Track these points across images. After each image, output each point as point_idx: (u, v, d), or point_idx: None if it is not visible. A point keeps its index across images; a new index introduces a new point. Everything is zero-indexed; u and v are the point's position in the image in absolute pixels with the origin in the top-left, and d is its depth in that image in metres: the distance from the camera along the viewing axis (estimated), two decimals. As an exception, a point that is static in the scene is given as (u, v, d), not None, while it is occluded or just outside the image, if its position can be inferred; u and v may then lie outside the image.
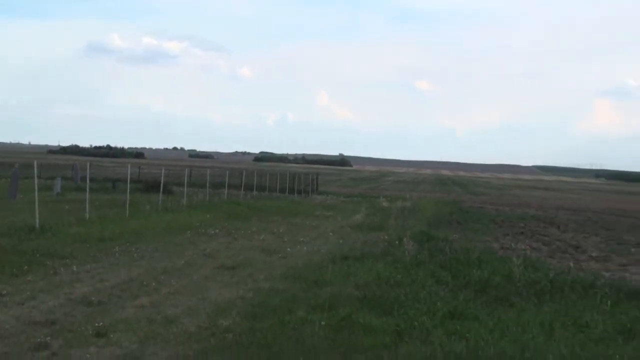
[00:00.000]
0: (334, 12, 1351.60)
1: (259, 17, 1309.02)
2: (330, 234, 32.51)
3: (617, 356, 11.19)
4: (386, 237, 29.01)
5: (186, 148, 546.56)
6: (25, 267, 17.78)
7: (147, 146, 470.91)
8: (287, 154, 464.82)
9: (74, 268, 18.32)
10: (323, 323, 13.02)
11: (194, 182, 52.10)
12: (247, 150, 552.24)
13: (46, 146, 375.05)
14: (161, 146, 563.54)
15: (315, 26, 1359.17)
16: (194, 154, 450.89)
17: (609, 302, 15.51)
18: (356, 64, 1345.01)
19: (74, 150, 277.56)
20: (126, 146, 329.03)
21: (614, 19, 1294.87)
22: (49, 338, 11.54)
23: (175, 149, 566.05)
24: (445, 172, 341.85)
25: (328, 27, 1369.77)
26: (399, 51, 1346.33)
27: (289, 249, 25.30)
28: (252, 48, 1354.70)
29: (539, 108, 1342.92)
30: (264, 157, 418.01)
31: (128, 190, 36.71)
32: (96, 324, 12.55)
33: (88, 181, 36.25)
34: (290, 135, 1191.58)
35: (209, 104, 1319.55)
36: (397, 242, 26.04)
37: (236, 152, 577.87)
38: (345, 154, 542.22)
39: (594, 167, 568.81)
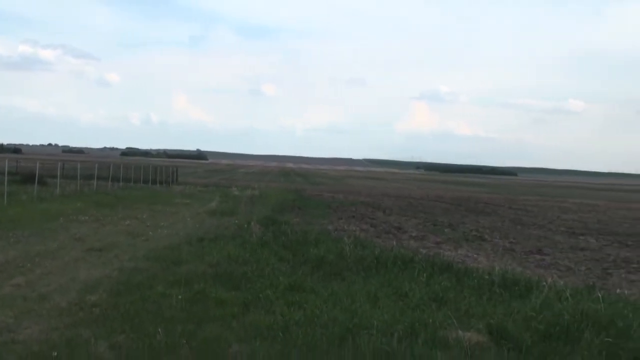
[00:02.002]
0: (190, 25, 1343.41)
1: (124, 28, 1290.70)
2: (188, 219, 32.24)
3: (431, 320, 11.49)
4: (236, 221, 28.97)
5: (60, 144, 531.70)
6: None
7: (25, 142, 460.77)
8: (151, 149, 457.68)
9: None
10: (180, 297, 12.95)
11: (66, 175, 50.67)
12: (115, 146, 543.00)
13: None
14: (37, 142, 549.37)
15: (173, 37, 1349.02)
16: (67, 150, 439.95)
17: (425, 275, 15.83)
18: (210, 71, 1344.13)
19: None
20: (5, 142, 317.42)
21: (428, 34, 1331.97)
22: None
23: (50, 145, 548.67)
24: (289, 165, 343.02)
25: (185, 38, 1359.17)
26: (247, 60, 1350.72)
27: (150, 233, 24.97)
28: (119, 56, 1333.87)
29: (367, 109, 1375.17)
30: (129, 152, 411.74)
31: (6, 182, 35.44)
32: (-26, 302, 12.13)
33: (-32, 174, 34.98)
34: (153, 133, 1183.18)
35: (81, 105, 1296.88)
36: (245, 225, 26.10)
37: (105, 147, 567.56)
38: (202, 149, 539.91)
39: (414, 160, 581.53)
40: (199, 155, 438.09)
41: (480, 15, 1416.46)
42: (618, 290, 16.76)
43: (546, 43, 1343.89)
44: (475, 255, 22.97)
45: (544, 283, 14.74)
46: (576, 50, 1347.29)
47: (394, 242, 24.27)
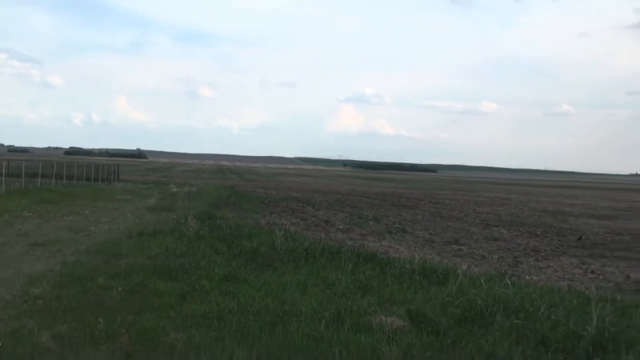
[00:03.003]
0: (129, 31, 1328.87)
1: (67, 34, 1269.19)
2: (128, 214, 31.82)
3: (356, 307, 11.54)
4: (174, 216, 28.70)
5: (5, 144, 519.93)
6: None
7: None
8: (93, 149, 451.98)
9: None
10: (120, 288, 12.77)
11: (11, 173, 49.55)
12: (59, 146, 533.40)
13: None
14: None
15: (114, 42, 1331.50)
16: (12, 149, 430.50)
17: (350, 265, 15.86)
18: (149, 74, 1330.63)
19: None
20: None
21: (354, 41, 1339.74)
22: None
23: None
24: (224, 163, 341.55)
25: (125, 43, 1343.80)
26: (184, 64, 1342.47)
27: (92, 228, 24.56)
28: (61, 60, 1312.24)
29: (298, 110, 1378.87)
30: (73, 152, 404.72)
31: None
32: None
33: None
34: (95, 133, 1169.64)
35: (26, 106, 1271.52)
36: (183, 220, 25.83)
37: (49, 147, 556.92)
38: (142, 148, 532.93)
39: (342, 158, 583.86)
40: (139, 154, 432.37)
41: (401, 24, 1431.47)
42: (527, 277, 17.11)
43: (462, 50, 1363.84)
44: (397, 246, 23.15)
45: (460, 271, 14.91)
46: (489, 57, 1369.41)
47: (323, 235, 24.27)
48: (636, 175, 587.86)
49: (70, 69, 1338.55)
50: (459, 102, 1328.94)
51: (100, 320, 10.11)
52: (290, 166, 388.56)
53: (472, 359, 8.92)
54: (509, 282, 13.57)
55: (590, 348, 9.38)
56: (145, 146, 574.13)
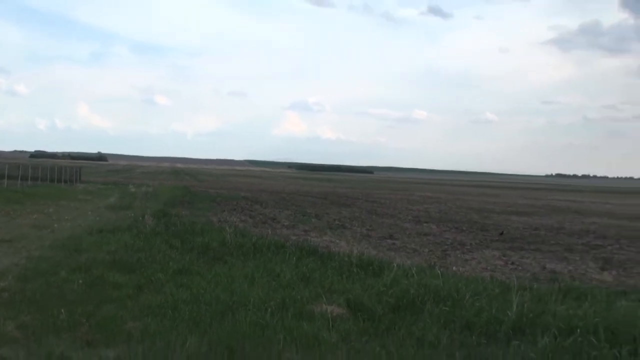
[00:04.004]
0: (91, 43, 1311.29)
1: (32, 45, 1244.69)
2: (89, 213, 31.33)
3: (299, 296, 11.56)
4: (132, 214, 28.33)
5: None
6: None
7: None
8: (57, 152, 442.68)
9: None
10: (81, 281, 12.60)
11: (-21, 175, 48.68)
12: (24, 149, 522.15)
13: None
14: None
15: (76, 53, 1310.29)
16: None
17: (294, 258, 15.90)
18: (109, 83, 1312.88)
19: None
20: None
21: (297, 54, 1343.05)
22: None
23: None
24: (179, 165, 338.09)
25: (86, 54, 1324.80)
26: (142, 74, 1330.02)
27: (56, 225, 24.11)
28: (27, 69, 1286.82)
29: (246, 117, 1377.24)
30: (38, 155, 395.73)
31: None
32: None
33: None
34: (59, 138, 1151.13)
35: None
36: (140, 218, 25.57)
37: (15, 150, 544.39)
38: (103, 151, 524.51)
39: (287, 160, 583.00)
40: (100, 157, 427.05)
41: (341, 39, 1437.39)
42: (454, 268, 17.28)
43: (396, 63, 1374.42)
44: (337, 241, 23.18)
45: (394, 263, 15.03)
46: (420, 69, 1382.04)
47: (269, 231, 24.28)
48: (552, 176, 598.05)
49: (36, 78, 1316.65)
50: (393, 110, 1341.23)
51: (62, 311, 9.96)
52: (239, 168, 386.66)
53: (404, 343, 8.98)
54: (439, 272, 13.77)
55: (511, 332, 9.52)
56: (105, 150, 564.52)
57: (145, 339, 8.80)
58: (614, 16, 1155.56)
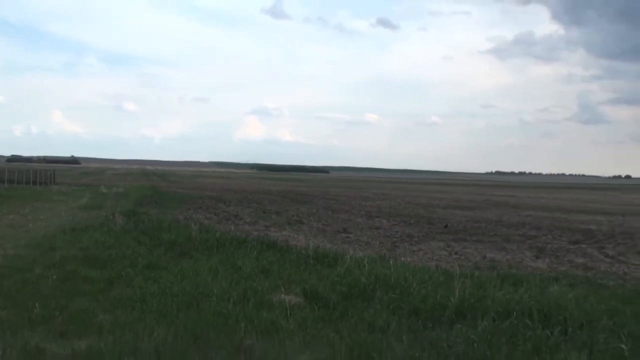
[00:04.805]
0: (64, 53, 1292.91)
1: (9, 56, 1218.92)
2: (63, 213, 30.76)
3: (259, 287, 11.54)
4: (103, 213, 27.98)
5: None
6: None
7: None
8: (32, 156, 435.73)
9: None
10: (55, 277, 12.44)
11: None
12: (1, 154, 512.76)
13: None
14: None
15: (50, 63, 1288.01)
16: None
17: (255, 252, 15.86)
18: (81, 91, 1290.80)
19: None
20: None
21: (257, 62, 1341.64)
22: None
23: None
24: (148, 167, 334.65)
25: (59, 64, 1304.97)
26: (111, 82, 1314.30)
27: (31, 225, 23.66)
28: (4, 79, 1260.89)
29: (211, 121, 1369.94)
30: (14, 159, 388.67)
31: None
32: None
33: None
34: (34, 143, 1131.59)
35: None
36: (111, 217, 25.31)
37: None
38: (76, 155, 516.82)
39: (249, 162, 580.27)
40: (73, 160, 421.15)
41: (297, 49, 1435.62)
42: (403, 259, 17.39)
43: (349, 71, 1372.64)
44: (295, 235, 23.17)
45: (347, 255, 15.07)
46: (371, 76, 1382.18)
47: (232, 227, 24.16)
48: (491, 173, 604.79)
49: (12, 87, 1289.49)
50: (346, 114, 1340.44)
51: (37, 305, 9.83)
52: (206, 169, 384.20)
53: (356, 328, 9.02)
54: (389, 262, 13.88)
55: (454, 316, 9.63)
56: (78, 153, 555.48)
57: (115, 329, 8.71)
58: (546, 27, 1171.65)
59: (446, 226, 29.41)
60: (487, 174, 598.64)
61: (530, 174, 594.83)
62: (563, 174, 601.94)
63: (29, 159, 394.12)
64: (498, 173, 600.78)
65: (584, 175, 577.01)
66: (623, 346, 7.97)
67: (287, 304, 10.22)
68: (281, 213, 35.56)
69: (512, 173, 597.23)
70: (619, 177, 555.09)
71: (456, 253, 19.87)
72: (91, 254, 15.66)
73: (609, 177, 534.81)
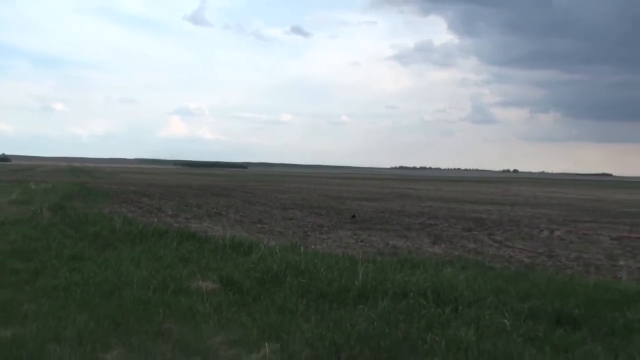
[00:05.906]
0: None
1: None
2: (-9, 208, 29.61)
3: (179, 275, 11.45)
4: (32, 208, 26.90)
5: None
6: None
7: None
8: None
9: None
10: (-19, 269, 12.00)
11: None
12: None
13: None
14: None
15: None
16: None
17: (175, 242, 15.67)
18: (10, 92, 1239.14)
19: None
20: None
21: (179, 66, 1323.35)
22: None
23: None
24: (76, 164, 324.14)
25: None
26: (40, 83, 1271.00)
27: (-42, 220, 22.65)
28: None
29: (136, 121, 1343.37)
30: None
31: None
32: None
33: None
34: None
35: None
36: (39, 211, 24.42)
37: None
38: (6, 153, 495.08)
39: (172, 158, 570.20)
40: (3, 158, 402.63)
41: (215, 55, 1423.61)
42: (313, 246, 17.50)
43: (265, 74, 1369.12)
44: (214, 226, 22.97)
45: (262, 244, 15.11)
46: (285, 80, 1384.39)
47: (155, 219, 23.79)
48: (396, 168, 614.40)
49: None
50: (263, 114, 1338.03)
51: (-37, 296, 9.46)
52: (130, 166, 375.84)
53: (268, 311, 9.08)
54: (300, 250, 13.98)
55: (357, 297, 9.81)
56: (9, 152, 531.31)
57: (39, 318, 8.50)
58: (443, 37, 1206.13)
59: (353, 216, 29.71)
60: (391, 168, 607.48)
61: (430, 168, 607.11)
62: (459, 169, 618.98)
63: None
64: (402, 168, 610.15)
65: (477, 170, 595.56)
66: (505, 321, 8.32)
67: (204, 290, 10.17)
68: (201, 206, 35.13)
69: (414, 168, 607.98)
70: (508, 171, 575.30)
71: (362, 241, 20.12)
72: (18, 246, 15.17)
73: (499, 171, 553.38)
